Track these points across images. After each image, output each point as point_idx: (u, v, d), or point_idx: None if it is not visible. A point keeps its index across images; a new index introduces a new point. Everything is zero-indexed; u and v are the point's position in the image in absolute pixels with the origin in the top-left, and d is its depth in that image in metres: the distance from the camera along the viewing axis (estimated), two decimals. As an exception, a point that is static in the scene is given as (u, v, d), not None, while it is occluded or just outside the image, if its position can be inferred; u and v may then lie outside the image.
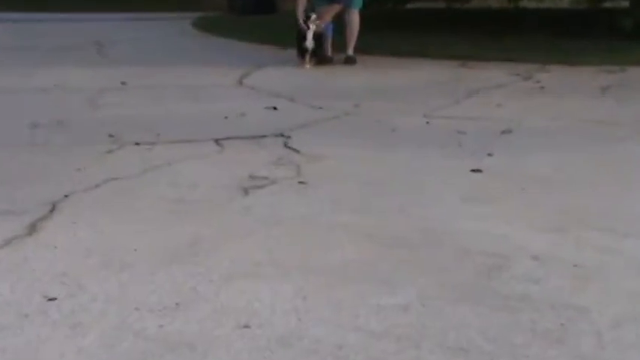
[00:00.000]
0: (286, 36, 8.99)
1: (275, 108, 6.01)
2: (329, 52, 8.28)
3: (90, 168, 4.37)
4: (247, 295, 2.80)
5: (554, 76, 7.57)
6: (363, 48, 8.47)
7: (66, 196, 3.85)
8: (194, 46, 10.04)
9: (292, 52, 8.28)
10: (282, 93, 6.62)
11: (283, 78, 7.53)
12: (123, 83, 7.01)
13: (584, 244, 3.28)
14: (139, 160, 4.51)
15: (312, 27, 7.93)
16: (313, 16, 7.99)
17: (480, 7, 11.76)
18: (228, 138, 5.03)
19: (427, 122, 5.56)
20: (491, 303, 2.76)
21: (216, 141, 4.96)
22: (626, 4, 10.08)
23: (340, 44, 8.37)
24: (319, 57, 8.10)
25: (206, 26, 11.96)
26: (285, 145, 4.89)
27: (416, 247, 3.26)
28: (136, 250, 3.19)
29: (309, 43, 7.99)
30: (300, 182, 4.11)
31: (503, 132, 5.23)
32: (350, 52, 8.30)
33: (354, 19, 8.27)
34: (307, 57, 8.01)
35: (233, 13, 13.86)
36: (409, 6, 12.08)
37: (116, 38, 10.57)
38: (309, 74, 7.76)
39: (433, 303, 2.75)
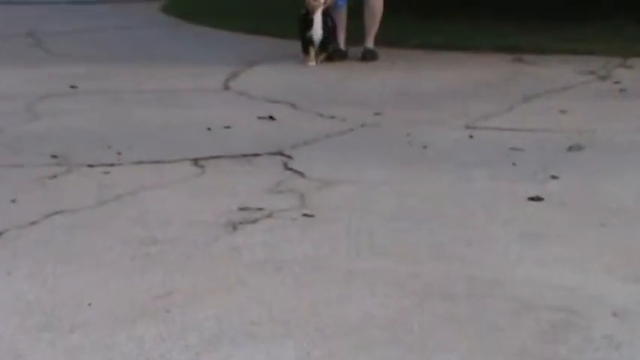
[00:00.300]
0: (286, 22, 9.03)
1: (272, 118, 6.04)
2: (342, 43, 8.32)
3: (28, 198, 4.39)
4: (237, 364, 2.81)
5: (639, 74, 7.59)
6: (385, 38, 8.50)
7: (-2, 234, 3.89)
8: (164, 38, 10.08)
9: (294, 45, 8.32)
10: (280, 98, 6.65)
11: (282, 79, 7.56)
12: (72, 87, 7.06)
13: (681, 296, 3.29)
14: (94, 188, 4.53)
15: (319, 8, 7.95)
16: None
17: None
18: (210, 157, 5.05)
19: (470, 136, 5.58)
20: (557, 373, 2.76)
21: (195, 161, 4.98)
22: None
23: (356, 32, 8.40)
24: (330, 50, 8.13)
25: (180, 11, 12.02)
26: (286, 167, 4.91)
27: (458, 300, 3.26)
28: (90, 305, 3.20)
29: (317, 32, 8.01)
30: (306, 215, 4.12)
31: (571, 148, 5.24)
32: (369, 44, 8.30)
33: (376, 3, 8.31)
34: (313, 51, 8.03)
35: (216, -7, 13.92)
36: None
37: (60, 28, 10.59)
38: (315, 73, 7.79)
39: (481, 373, 2.76)
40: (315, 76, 7.64)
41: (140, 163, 4.98)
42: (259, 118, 6.03)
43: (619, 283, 3.40)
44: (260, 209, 4.19)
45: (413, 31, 9.22)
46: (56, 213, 4.14)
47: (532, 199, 4.34)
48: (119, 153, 5.14)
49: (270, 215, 4.12)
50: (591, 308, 3.18)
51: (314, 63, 7.98)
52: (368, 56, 8.22)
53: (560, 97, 6.73)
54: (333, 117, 6.08)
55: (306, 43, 8.00)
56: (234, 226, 3.98)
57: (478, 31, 9.35)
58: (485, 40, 8.94)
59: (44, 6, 12.71)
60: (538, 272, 3.48)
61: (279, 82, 7.38)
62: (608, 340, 2.95)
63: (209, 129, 5.71)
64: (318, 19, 7.94)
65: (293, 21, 8.35)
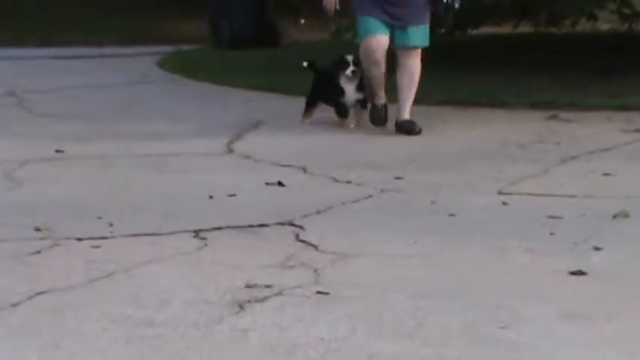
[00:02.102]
0: (294, 78, 9.10)
1: (280, 184, 6.06)
2: (382, 98, 7.88)
3: (9, 277, 4.39)
4: None
5: (690, 131, 7.60)
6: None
7: (-25, 317, 3.89)
8: (160, 96, 10.16)
9: (303, 102, 8.34)
10: (290, 162, 6.68)
11: (291, 140, 7.60)
12: (58, 151, 7.10)
13: None
14: (83, 264, 4.54)
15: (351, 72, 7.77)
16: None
17: (578, 33, 11.86)
18: (213, 229, 5.07)
19: (503, 202, 5.59)
20: None
21: (196, 233, 5.00)
22: None
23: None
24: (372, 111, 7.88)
25: (179, 66, 12.13)
26: (297, 239, 4.92)
27: (493, 388, 3.26)
28: (80, 396, 3.21)
29: (352, 96, 7.93)
30: (320, 292, 4.12)
31: (616, 216, 5.24)
32: (407, 115, 7.77)
33: (416, 64, 7.75)
34: (350, 115, 7.92)
35: (218, 46, 14.06)
36: (474, 32, 12.19)
37: (43, 86, 10.69)
38: (328, 134, 7.82)
39: None
40: (328, 137, 7.68)
41: (134, 235, 4.99)
42: (267, 184, 6.06)
43: (674, 367, 3.39)
44: (269, 286, 4.19)
45: (438, 85, 9.27)
46: (40, 293, 4.15)
47: (573, 273, 4.33)
48: (111, 225, 5.16)
49: (280, 293, 4.13)
50: (643, 397, 3.17)
51: (352, 125, 7.92)
52: (407, 129, 7.71)
53: (602, 158, 6.74)
54: (348, 182, 6.10)
55: (342, 109, 7.96)
56: (241, 306, 3.98)
57: (510, 85, 9.40)
58: (517, 95, 8.98)
59: (25, 62, 12.82)
60: (581, 356, 3.47)
61: (288, 144, 7.42)
62: None
63: (211, 197, 5.74)
64: (351, 78, 7.86)
65: (301, 76, 8.39)
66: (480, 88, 9.33)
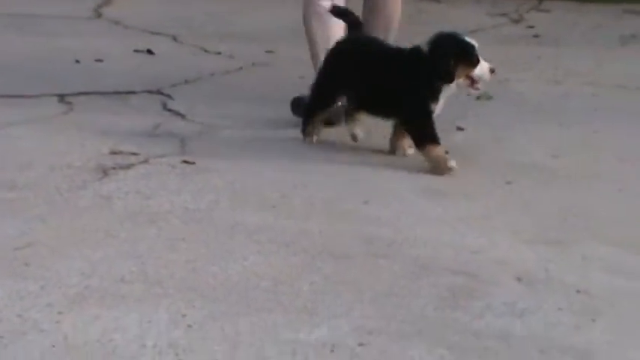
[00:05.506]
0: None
1: (150, 51, 5.98)
2: None
3: None
4: (103, 324, 2.81)
5: (556, 18, 7.68)
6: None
7: None
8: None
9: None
10: (160, 29, 6.58)
11: (162, 7, 7.46)
12: None
13: (591, 263, 3.37)
14: (-58, 123, 4.46)
15: None
16: None
17: None
18: (79, 93, 5.00)
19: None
20: (456, 342, 2.81)
21: (62, 97, 4.92)
22: None
23: None
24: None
25: None
26: (164, 107, 4.89)
27: (352, 262, 3.30)
28: (-63, 256, 3.17)
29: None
30: (186, 162, 4.12)
31: (479, 98, 5.30)
32: None
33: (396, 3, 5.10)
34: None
35: None
36: None
37: None
38: (202, 2, 7.72)
39: (374, 340, 2.79)
40: (206, 5, 7.55)
41: (-4, 97, 4.91)
42: (135, 51, 5.97)
43: (524, 245, 3.48)
44: (134, 154, 4.17)
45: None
46: None
47: (436, 152, 4.39)
48: (-28, 84, 5.06)
49: (145, 161, 4.11)
50: (494, 272, 3.25)
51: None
52: None
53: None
54: (218, 53, 6.05)
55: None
56: (105, 172, 3.95)
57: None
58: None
59: None
60: (438, 232, 3.55)
61: (159, 11, 7.28)
62: (511, 307, 3.02)
63: (77, 61, 5.64)
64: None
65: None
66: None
